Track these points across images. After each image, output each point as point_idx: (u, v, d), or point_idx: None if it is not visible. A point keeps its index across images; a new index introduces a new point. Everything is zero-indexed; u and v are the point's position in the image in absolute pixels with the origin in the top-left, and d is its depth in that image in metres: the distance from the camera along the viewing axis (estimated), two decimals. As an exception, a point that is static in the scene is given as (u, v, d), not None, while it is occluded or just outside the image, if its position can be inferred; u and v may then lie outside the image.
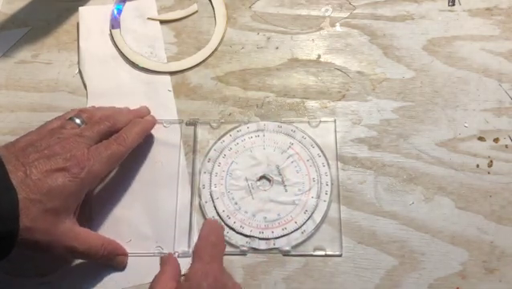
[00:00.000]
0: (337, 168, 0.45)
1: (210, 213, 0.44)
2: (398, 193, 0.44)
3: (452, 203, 0.44)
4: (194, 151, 0.46)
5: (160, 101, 0.49)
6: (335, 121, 0.47)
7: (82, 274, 0.43)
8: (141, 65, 0.51)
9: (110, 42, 0.52)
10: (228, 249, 0.43)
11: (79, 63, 0.51)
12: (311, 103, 0.48)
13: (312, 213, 0.44)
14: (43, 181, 0.37)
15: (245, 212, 0.44)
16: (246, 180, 0.45)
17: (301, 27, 0.51)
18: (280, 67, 0.50)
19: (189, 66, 0.50)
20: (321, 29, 0.51)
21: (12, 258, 0.43)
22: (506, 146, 0.45)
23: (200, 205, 0.45)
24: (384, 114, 0.47)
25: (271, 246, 0.43)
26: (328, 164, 0.45)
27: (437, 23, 0.50)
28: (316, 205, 0.44)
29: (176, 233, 0.44)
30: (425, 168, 0.45)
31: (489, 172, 0.45)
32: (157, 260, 0.42)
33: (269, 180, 0.45)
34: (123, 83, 0.50)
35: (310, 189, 0.44)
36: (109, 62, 0.51)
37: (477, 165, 0.45)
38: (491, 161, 0.45)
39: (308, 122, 0.47)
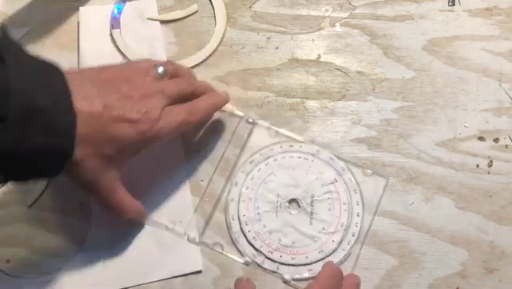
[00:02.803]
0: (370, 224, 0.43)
1: (232, 212, 0.44)
2: (398, 193, 0.44)
3: (452, 203, 0.44)
4: (242, 148, 0.46)
5: (160, 101, 0.49)
6: (387, 180, 0.44)
7: (82, 273, 0.43)
8: (141, 65, 0.51)
9: (110, 42, 0.52)
10: (233, 252, 0.43)
11: (78, 63, 0.51)
12: (311, 103, 0.48)
13: (327, 256, 0.42)
14: (110, 126, 0.37)
15: (264, 226, 0.43)
16: (278, 196, 0.44)
17: (301, 27, 0.51)
18: (280, 67, 0.50)
19: (189, 66, 0.50)
20: (321, 29, 0.51)
21: (12, 259, 0.43)
22: (506, 146, 0.45)
23: (225, 201, 0.45)
24: (384, 114, 0.47)
25: (274, 268, 0.42)
26: (363, 214, 0.43)
27: (437, 23, 0.50)
28: (334, 250, 0.42)
29: (193, 216, 0.44)
30: (425, 168, 0.45)
31: (489, 172, 0.45)
32: (162, 246, 0.43)
33: (299, 205, 0.44)
34: (123, 83, 0.50)
35: (334, 233, 0.43)
36: (109, 62, 0.51)
37: (477, 165, 0.45)
38: (491, 161, 0.45)
39: (361, 166, 0.45)
